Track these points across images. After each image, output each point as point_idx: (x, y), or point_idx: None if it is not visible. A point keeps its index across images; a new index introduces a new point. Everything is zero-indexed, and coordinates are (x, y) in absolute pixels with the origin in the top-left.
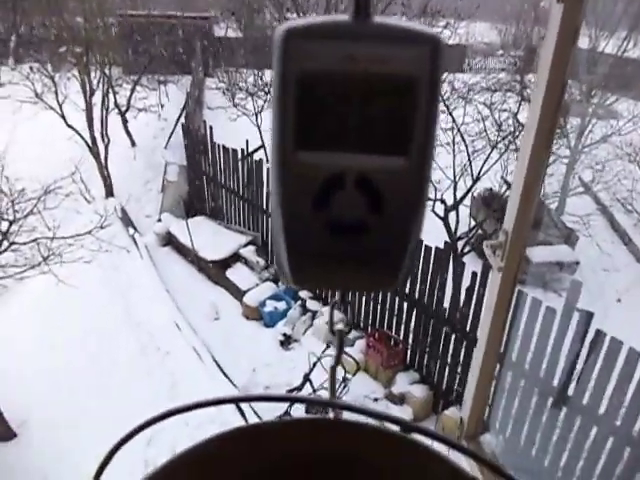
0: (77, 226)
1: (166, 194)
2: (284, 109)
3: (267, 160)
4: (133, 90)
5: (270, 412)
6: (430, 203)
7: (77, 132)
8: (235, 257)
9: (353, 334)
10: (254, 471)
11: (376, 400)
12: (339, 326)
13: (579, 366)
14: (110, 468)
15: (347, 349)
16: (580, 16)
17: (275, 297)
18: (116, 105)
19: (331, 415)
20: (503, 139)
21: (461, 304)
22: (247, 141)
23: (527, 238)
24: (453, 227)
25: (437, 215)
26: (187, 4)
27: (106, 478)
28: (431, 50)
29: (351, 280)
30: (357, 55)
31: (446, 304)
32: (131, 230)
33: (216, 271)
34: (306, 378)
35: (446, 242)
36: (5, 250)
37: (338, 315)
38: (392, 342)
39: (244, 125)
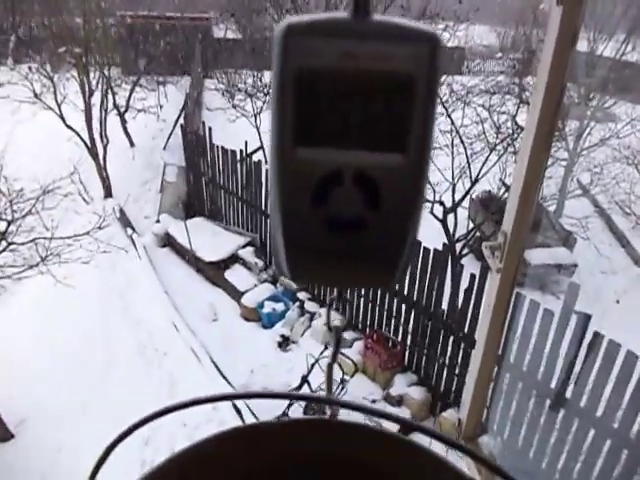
0: (75, 226)
1: (165, 195)
2: (283, 106)
3: (266, 161)
4: (132, 91)
5: (268, 414)
6: (429, 205)
7: (76, 132)
8: (233, 258)
9: (351, 335)
10: (252, 471)
11: (374, 402)
12: (336, 322)
13: (577, 368)
14: (107, 469)
15: (345, 350)
16: (579, 18)
17: (273, 298)
18: (115, 106)
19: (327, 413)
20: (502, 141)
21: (459, 306)
22: (246, 142)
23: (526, 240)
24: (451, 229)
25: (436, 217)
26: (186, 5)
27: (103, 478)
28: (430, 48)
29: (348, 277)
30: (356, 52)
31: (444, 306)
32: (129, 231)
33: (214, 272)
34: (304, 379)
35: (444, 244)
36: (3, 250)
37: (335, 315)
38: (390, 344)
39: (243, 126)
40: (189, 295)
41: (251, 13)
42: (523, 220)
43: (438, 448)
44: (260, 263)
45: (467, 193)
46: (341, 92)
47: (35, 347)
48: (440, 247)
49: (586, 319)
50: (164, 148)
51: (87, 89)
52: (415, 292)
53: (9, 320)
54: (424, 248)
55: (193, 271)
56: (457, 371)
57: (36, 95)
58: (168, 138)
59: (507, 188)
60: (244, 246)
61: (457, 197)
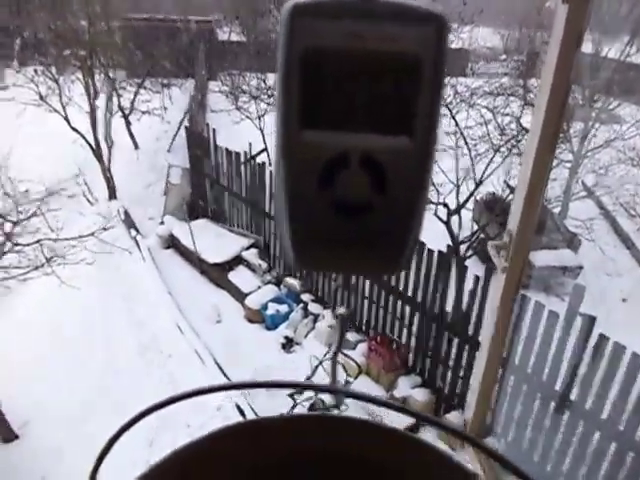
0: (80, 228)
1: (169, 197)
2: (288, 87)
3: (270, 164)
4: (137, 93)
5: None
6: (433, 207)
7: (81, 135)
8: (237, 260)
9: (355, 337)
10: (256, 467)
11: None
12: (341, 310)
13: (582, 370)
14: (113, 470)
15: (349, 352)
16: (585, 17)
17: (277, 300)
18: (120, 108)
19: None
20: (506, 143)
21: (464, 308)
22: (250, 144)
23: (531, 239)
24: (456, 231)
25: (440, 219)
26: (191, 8)
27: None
28: (437, 29)
29: (355, 262)
30: (363, 33)
31: (449, 308)
32: (133, 232)
33: (218, 274)
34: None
35: (449, 246)
36: (8, 251)
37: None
38: (394, 346)
39: (247, 128)
40: (193, 296)
41: (255, 15)
42: (528, 220)
43: (442, 445)
44: (264, 265)
45: (471, 195)
46: (347, 73)
47: (39, 348)
48: (444, 249)
49: (591, 321)
50: (168, 150)
51: (92, 91)
52: (419, 294)
53: (14, 321)
54: (428, 250)
55: (197, 272)
56: (461, 373)
57: (42, 97)
58: (172, 140)
59: (511, 190)
60: (248, 248)
61: (461, 199)
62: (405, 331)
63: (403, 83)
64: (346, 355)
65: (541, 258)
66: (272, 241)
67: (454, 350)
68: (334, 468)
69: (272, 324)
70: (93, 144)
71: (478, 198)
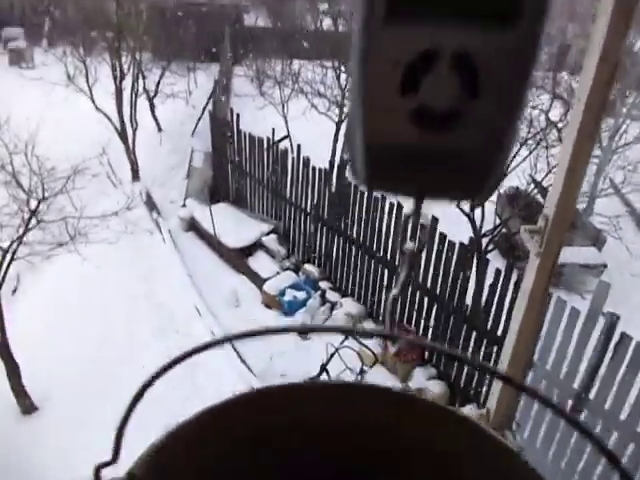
0: (103, 208)
1: (191, 180)
2: None
3: (292, 150)
4: (162, 76)
5: None
6: None
7: (106, 116)
8: (257, 245)
9: (371, 327)
10: (271, 431)
11: None
12: (409, 245)
13: (602, 369)
14: (125, 458)
15: (365, 342)
16: None
17: (295, 286)
18: (145, 90)
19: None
20: (533, 136)
21: (484, 301)
22: (273, 130)
23: (568, 224)
24: (478, 224)
25: (462, 211)
26: None
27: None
28: None
29: (433, 182)
30: None
31: (468, 301)
32: (155, 214)
33: (237, 258)
34: (323, 368)
35: (471, 238)
36: (33, 227)
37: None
38: (411, 337)
39: (271, 114)
40: (212, 280)
41: (282, 1)
42: (567, 204)
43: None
44: (283, 251)
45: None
46: None
47: (59, 325)
48: (466, 242)
49: (614, 319)
50: (192, 134)
51: (119, 73)
52: (438, 286)
53: (36, 297)
54: (449, 242)
55: (216, 256)
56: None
57: (69, 77)
58: (196, 124)
59: (536, 184)
60: (268, 233)
61: None
62: (422, 322)
63: None
64: (362, 344)
65: (563, 254)
66: (292, 227)
67: (472, 343)
68: (363, 438)
69: (289, 310)
70: (118, 126)
71: (502, 192)
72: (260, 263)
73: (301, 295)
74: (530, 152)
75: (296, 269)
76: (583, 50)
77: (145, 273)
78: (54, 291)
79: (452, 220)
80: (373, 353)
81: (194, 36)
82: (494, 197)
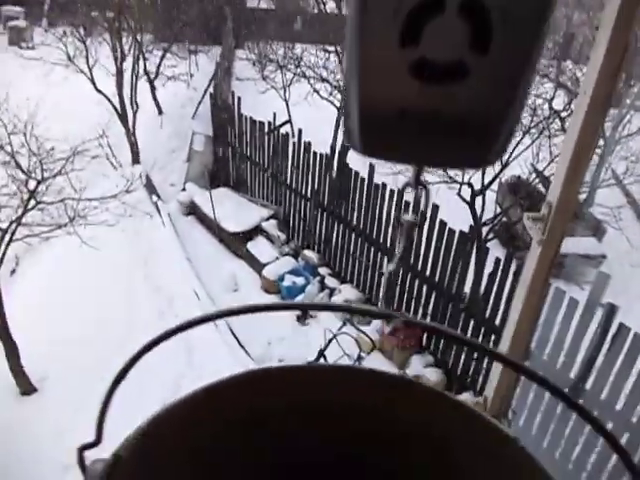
0: (103, 190)
1: (192, 164)
2: None
3: (293, 134)
4: (163, 57)
5: None
6: (456, 186)
7: (106, 97)
8: (256, 230)
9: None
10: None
11: None
12: (407, 217)
13: (599, 360)
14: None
15: (364, 328)
16: None
17: (294, 272)
18: (145, 72)
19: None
20: (536, 125)
21: (482, 290)
22: (274, 114)
23: (572, 211)
24: (479, 212)
25: (463, 199)
26: None
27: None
28: None
29: (434, 147)
30: None
31: (467, 289)
32: (155, 198)
33: (237, 243)
34: (320, 353)
35: (471, 226)
36: (32, 209)
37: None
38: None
39: (272, 98)
40: (211, 264)
41: None
42: (571, 190)
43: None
44: (282, 236)
45: (497, 176)
46: None
47: (57, 307)
48: (466, 230)
49: (612, 310)
50: (193, 117)
51: (119, 54)
52: (437, 273)
53: (34, 278)
54: (449, 229)
55: (216, 241)
56: (475, 355)
57: (69, 58)
58: (197, 107)
59: (538, 174)
60: (268, 218)
61: (487, 180)
62: (421, 310)
63: None
64: (360, 330)
65: (563, 245)
66: (292, 213)
67: (469, 332)
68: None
69: (288, 296)
70: (118, 107)
71: (503, 180)
72: (260, 248)
73: (300, 281)
74: (533, 141)
75: (295, 255)
76: (588, 39)
77: (144, 256)
78: (53, 272)
79: (452, 207)
80: (371, 339)
81: (196, 18)
82: (495, 186)
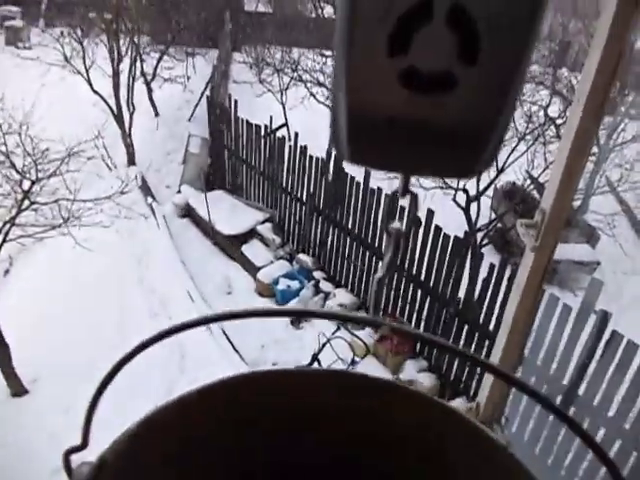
0: (97, 191)
1: (187, 166)
2: None
3: (289, 138)
4: (160, 59)
5: None
6: (451, 192)
7: (102, 98)
8: (252, 233)
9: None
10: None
11: None
12: (396, 225)
13: (592, 366)
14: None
15: (357, 332)
16: None
17: (289, 276)
18: (142, 74)
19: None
20: (532, 131)
21: (476, 295)
22: (271, 117)
23: (565, 219)
24: (473, 218)
25: (458, 205)
26: None
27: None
28: None
29: (421, 157)
30: None
31: (461, 295)
32: (150, 199)
33: (232, 246)
34: (314, 358)
35: (466, 232)
36: (26, 209)
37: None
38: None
39: (269, 101)
40: (205, 266)
41: None
42: (564, 197)
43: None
44: (277, 240)
45: (492, 182)
46: None
47: (50, 307)
48: (461, 235)
49: (605, 317)
50: (189, 119)
51: (116, 55)
52: (432, 278)
53: (27, 279)
54: (444, 234)
55: (211, 243)
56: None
57: (66, 59)
58: (194, 109)
59: (532, 180)
60: (263, 222)
61: (482, 186)
62: (415, 315)
63: None
64: (354, 335)
65: (557, 251)
66: (287, 216)
67: (463, 337)
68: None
69: (282, 299)
70: (115, 109)
71: (498, 186)
72: (254, 251)
73: (294, 284)
74: (528, 148)
75: (290, 258)
76: (584, 47)
77: (138, 258)
78: (46, 274)
79: (447, 213)
80: (365, 344)
81: (194, 21)
82: (490, 192)
